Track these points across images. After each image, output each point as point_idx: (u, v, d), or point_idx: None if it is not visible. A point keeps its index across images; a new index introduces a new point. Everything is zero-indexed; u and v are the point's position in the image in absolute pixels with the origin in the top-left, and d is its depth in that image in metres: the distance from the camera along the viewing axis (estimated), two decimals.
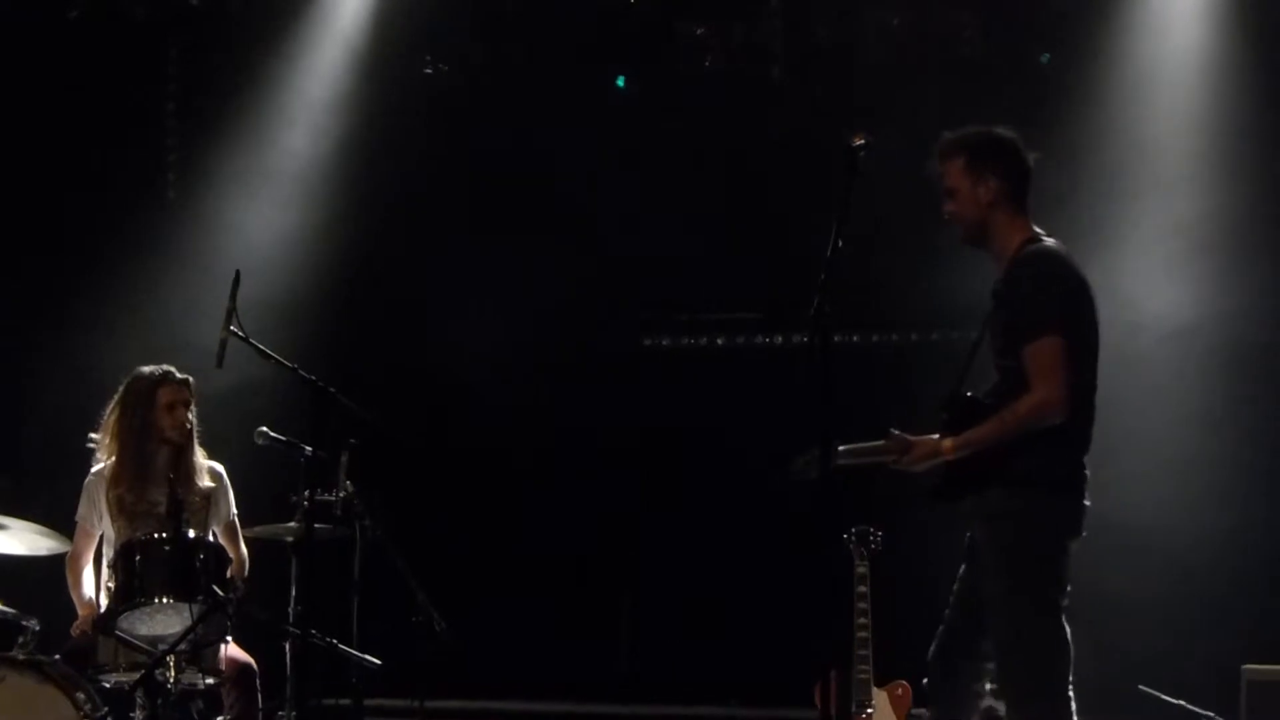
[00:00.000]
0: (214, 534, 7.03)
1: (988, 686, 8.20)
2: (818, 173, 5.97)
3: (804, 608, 5.49)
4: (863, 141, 5.35)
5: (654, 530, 9.22)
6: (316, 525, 6.56)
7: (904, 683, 7.64)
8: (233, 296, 6.35)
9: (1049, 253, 5.58)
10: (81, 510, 7.10)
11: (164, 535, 6.57)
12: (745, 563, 8.84)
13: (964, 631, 5.72)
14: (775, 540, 7.73)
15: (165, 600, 6.45)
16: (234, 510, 7.28)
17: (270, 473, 7.21)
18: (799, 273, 5.96)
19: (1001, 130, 5.72)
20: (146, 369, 7.16)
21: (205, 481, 7.15)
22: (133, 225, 9.42)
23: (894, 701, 7.59)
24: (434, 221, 9.54)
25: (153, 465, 7.06)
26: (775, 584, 6.60)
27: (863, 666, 7.42)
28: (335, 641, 6.74)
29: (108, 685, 6.54)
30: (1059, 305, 5.46)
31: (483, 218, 9.42)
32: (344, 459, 6.79)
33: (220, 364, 6.37)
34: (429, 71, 9.49)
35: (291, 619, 6.81)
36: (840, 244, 5.60)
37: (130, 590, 6.47)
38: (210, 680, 6.62)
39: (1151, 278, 8.77)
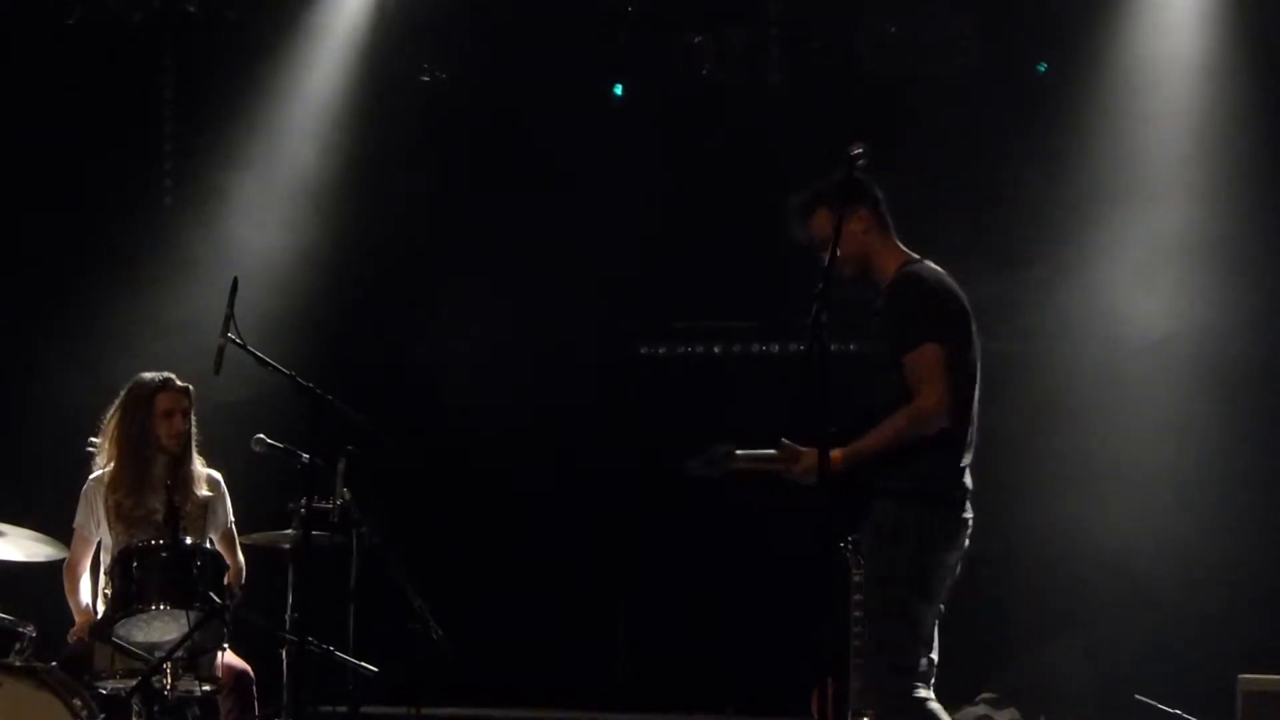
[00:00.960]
0: (211, 541, 7.02)
1: (982, 695, 8.25)
2: (816, 180, 5.98)
3: (801, 615, 5.53)
4: (861, 150, 5.40)
5: (651, 539, 9.22)
6: (314, 532, 6.56)
7: None
8: (230, 303, 6.35)
9: (927, 272, 5.80)
10: (79, 517, 7.10)
11: (161, 542, 6.57)
12: (742, 571, 8.83)
13: None
14: (772, 549, 7.74)
15: (162, 607, 6.45)
16: (231, 518, 7.28)
17: (267, 480, 7.21)
18: (797, 281, 5.99)
19: (842, 172, 5.83)
20: (147, 375, 7.15)
21: (203, 490, 7.14)
22: (130, 231, 9.42)
23: None
24: (431, 228, 9.55)
25: (151, 472, 7.06)
26: (773, 592, 6.60)
27: (859, 675, 7.40)
28: (332, 649, 6.75)
29: (104, 692, 6.53)
30: (937, 317, 5.65)
31: (480, 224, 9.42)
32: (341, 466, 6.80)
33: (218, 370, 6.37)
34: (426, 79, 9.49)
35: (288, 626, 6.82)
36: (838, 252, 5.64)
37: (127, 597, 6.47)
38: (207, 687, 6.60)
39: (1133, 288, 8.78)
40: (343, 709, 6.90)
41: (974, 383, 5.81)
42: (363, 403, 6.76)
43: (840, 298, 5.42)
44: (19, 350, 9.23)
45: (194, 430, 7.17)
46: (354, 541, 6.88)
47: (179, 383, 7.13)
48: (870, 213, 5.85)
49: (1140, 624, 8.50)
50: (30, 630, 6.62)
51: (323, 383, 6.51)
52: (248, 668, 6.94)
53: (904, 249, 5.89)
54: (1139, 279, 8.76)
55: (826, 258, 5.57)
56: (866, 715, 5.86)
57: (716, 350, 9.78)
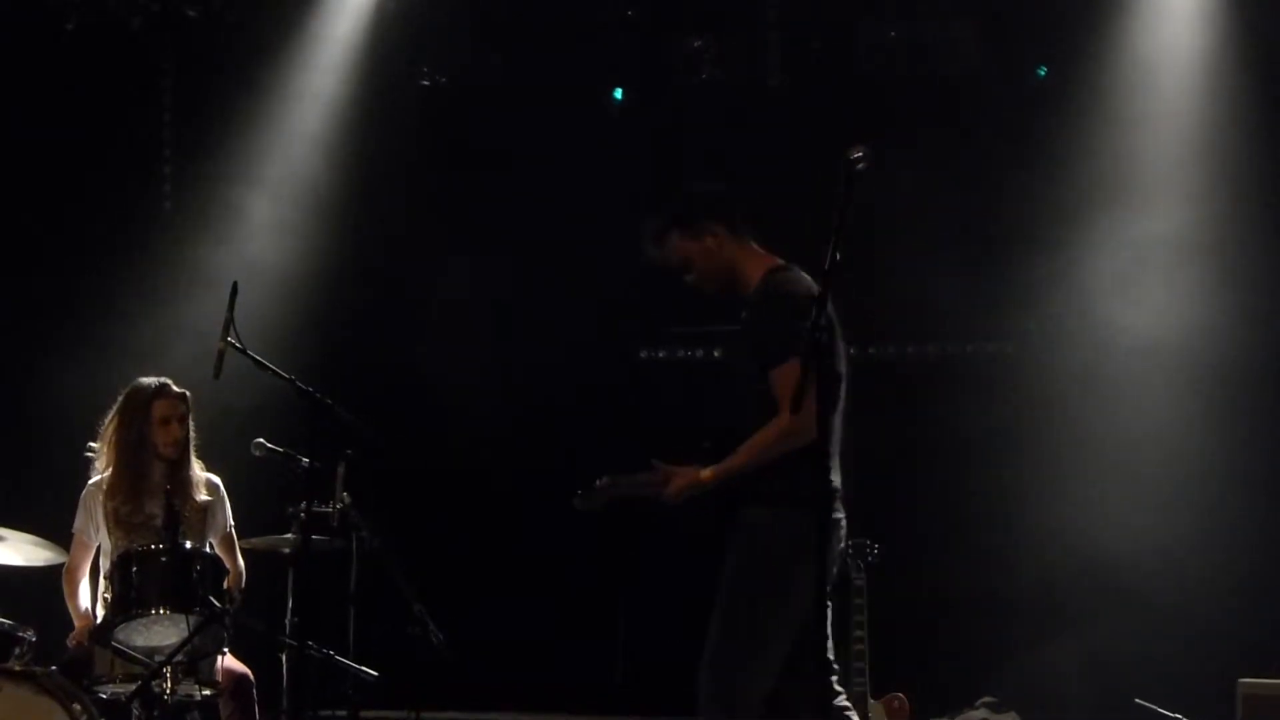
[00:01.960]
0: (210, 546, 7.02)
1: (982, 700, 8.25)
2: (815, 184, 5.98)
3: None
4: (861, 153, 5.38)
5: (651, 544, 9.20)
6: (314, 536, 6.57)
7: (900, 695, 7.65)
8: (230, 307, 6.35)
9: (789, 280, 5.74)
10: (78, 522, 7.10)
11: (161, 546, 6.57)
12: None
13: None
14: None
15: (162, 611, 6.45)
16: (231, 523, 7.27)
17: (267, 484, 7.21)
18: None
19: (689, 188, 5.97)
20: (144, 381, 7.14)
21: (202, 495, 7.13)
22: (129, 236, 9.42)
23: (891, 713, 7.60)
24: (431, 232, 9.55)
25: (148, 478, 7.05)
26: None
27: (859, 679, 7.43)
28: (332, 653, 6.75)
29: (104, 696, 6.54)
30: (800, 331, 5.47)
31: (480, 228, 9.42)
32: (341, 470, 6.80)
33: (218, 374, 6.37)
34: (425, 83, 9.49)
35: (288, 630, 6.82)
36: (838, 256, 5.63)
37: (127, 601, 6.47)
38: (207, 691, 6.61)
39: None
40: (342, 713, 6.91)
41: (839, 392, 5.74)
42: (362, 406, 6.75)
43: (839, 302, 5.41)
44: (19, 353, 9.22)
45: (193, 435, 7.16)
46: (354, 545, 6.88)
47: (175, 389, 7.11)
48: (722, 227, 5.83)
49: (1140, 628, 8.49)
50: (30, 634, 6.63)
51: (322, 386, 6.50)
52: (248, 672, 6.93)
53: (765, 254, 5.83)
54: (1140, 280, 8.77)
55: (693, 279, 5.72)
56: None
57: (717, 355, 9.78)
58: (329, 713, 6.83)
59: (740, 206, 5.91)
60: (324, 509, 6.74)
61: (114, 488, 7.05)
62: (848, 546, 5.82)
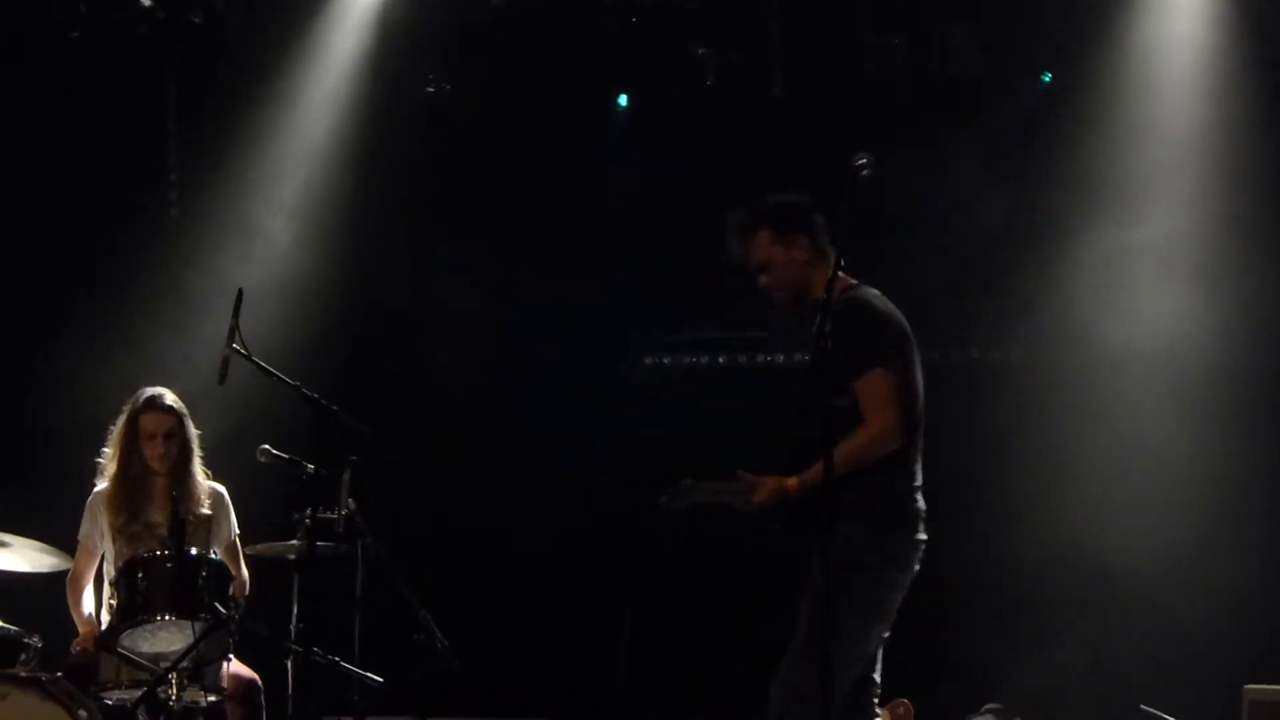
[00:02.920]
0: (215, 553, 7.02)
1: (988, 706, 8.24)
2: (819, 192, 5.99)
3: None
4: (864, 160, 5.40)
5: (652, 548, 9.20)
6: (318, 543, 6.57)
7: (905, 701, 7.63)
8: (236, 313, 6.36)
9: (872, 297, 5.83)
10: (84, 529, 7.11)
11: (167, 553, 6.57)
12: (743, 581, 8.83)
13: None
14: (773, 550, 7.72)
15: (168, 617, 6.46)
16: (235, 531, 7.28)
17: (273, 490, 7.21)
18: None
19: (788, 196, 5.97)
20: (141, 392, 7.17)
21: (205, 506, 7.11)
22: (135, 242, 9.42)
23: None
24: (436, 239, 9.56)
25: (148, 489, 7.07)
26: (774, 601, 6.58)
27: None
28: (337, 659, 6.75)
29: (110, 703, 6.55)
30: (885, 342, 5.70)
31: (485, 234, 9.43)
32: (346, 477, 6.80)
33: (223, 381, 6.37)
34: (431, 90, 9.50)
35: (293, 636, 6.82)
36: (842, 262, 5.65)
37: (133, 607, 6.48)
38: (212, 698, 6.61)
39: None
40: (347, 719, 6.91)
41: (919, 403, 5.82)
42: (367, 413, 6.75)
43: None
44: (24, 359, 9.23)
45: (195, 444, 7.17)
46: (359, 551, 6.89)
47: (165, 402, 7.11)
48: (810, 241, 5.89)
49: (1146, 634, 8.48)
50: (36, 641, 6.63)
51: (327, 393, 6.51)
52: (256, 677, 6.94)
53: (840, 275, 5.77)
54: (1139, 281, 8.77)
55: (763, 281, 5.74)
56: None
57: (721, 360, 9.79)
58: (334, 718, 6.82)
59: (826, 225, 5.93)
60: (329, 515, 6.74)
61: (112, 497, 7.08)
62: (916, 562, 5.85)
